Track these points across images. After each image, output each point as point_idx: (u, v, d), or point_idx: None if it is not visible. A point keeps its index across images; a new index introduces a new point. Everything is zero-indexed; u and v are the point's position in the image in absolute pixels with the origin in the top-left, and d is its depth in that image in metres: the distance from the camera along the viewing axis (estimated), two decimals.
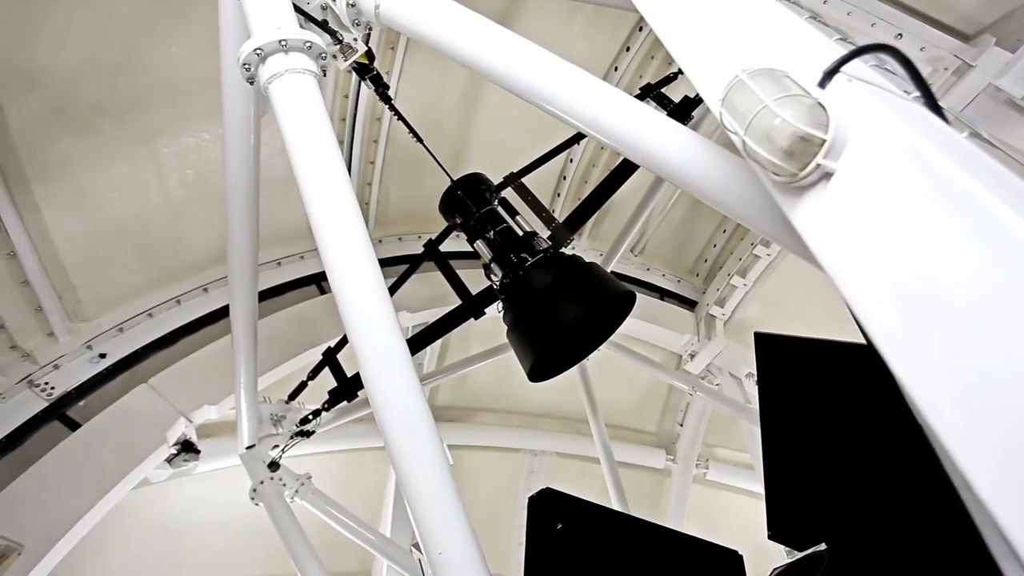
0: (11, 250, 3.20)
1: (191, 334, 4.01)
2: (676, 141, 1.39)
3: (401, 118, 2.78)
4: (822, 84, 0.93)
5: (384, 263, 4.95)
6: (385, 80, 2.59)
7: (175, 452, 3.73)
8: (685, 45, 1.32)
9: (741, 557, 2.43)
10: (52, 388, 3.46)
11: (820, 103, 0.89)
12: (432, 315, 3.30)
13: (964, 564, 1.63)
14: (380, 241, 5.07)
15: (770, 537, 2.03)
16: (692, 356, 5.77)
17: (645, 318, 5.67)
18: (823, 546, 1.90)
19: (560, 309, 2.41)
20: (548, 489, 2.38)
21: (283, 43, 1.76)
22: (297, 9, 1.96)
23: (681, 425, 6.18)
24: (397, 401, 1.46)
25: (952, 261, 0.60)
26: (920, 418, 1.31)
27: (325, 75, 1.87)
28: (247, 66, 1.79)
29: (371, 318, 1.52)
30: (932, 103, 0.96)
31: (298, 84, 1.76)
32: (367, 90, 4.29)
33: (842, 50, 1.01)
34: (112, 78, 3.20)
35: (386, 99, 2.66)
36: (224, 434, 4.05)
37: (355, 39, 2.09)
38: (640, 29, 4.63)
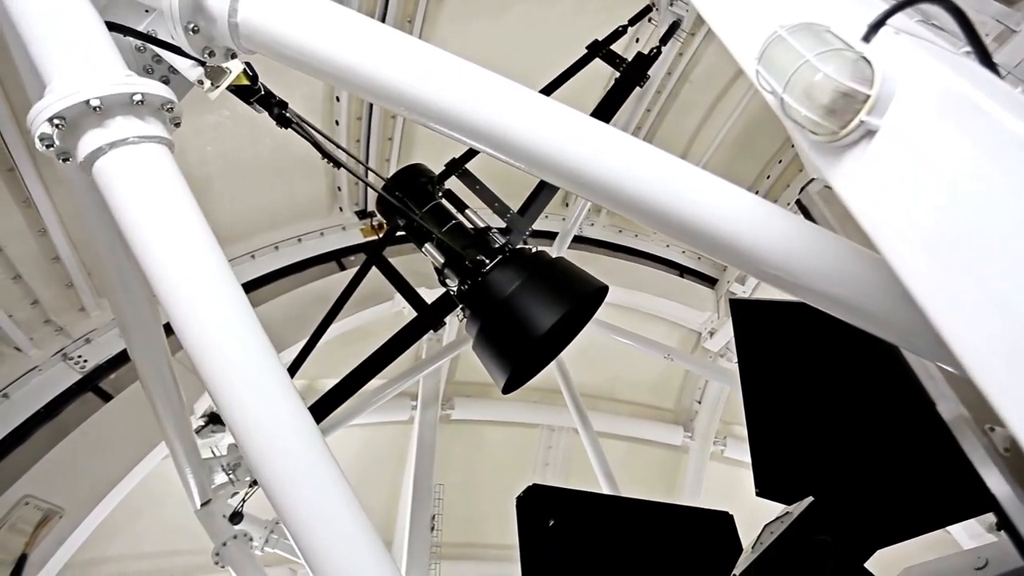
0: (42, 227, 3.28)
1: None
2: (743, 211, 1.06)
3: (308, 137, 2.41)
4: (867, 38, 0.88)
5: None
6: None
7: (203, 424, 3.83)
8: (717, 3, 1.27)
9: (731, 517, 2.47)
10: (85, 361, 3.58)
11: (864, 57, 0.85)
12: None
13: (945, 497, 1.68)
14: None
15: (758, 494, 2.08)
16: (712, 334, 5.73)
17: (664, 295, 5.63)
18: (810, 499, 1.94)
19: (532, 320, 2.18)
20: (535, 486, 2.37)
21: (94, 104, 1.13)
22: (117, 29, 1.34)
23: (699, 402, 6.17)
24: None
25: (1012, 216, 0.58)
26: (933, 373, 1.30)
27: (179, 126, 1.31)
28: (45, 140, 1.18)
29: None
30: (985, 58, 0.90)
31: (133, 164, 1.17)
32: None
33: (885, 4, 0.96)
34: None
35: (284, 121, 2.23)
36: None
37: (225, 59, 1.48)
38: None
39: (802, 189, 2.09)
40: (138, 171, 1.19)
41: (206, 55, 1.43)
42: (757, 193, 6.15)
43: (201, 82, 1.52)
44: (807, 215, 2.02)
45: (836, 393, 1.94)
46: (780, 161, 5.51)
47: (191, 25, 1.36)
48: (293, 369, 3.52)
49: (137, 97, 1.19)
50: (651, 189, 1.08)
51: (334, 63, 1.25)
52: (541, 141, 1.14)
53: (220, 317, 1.15)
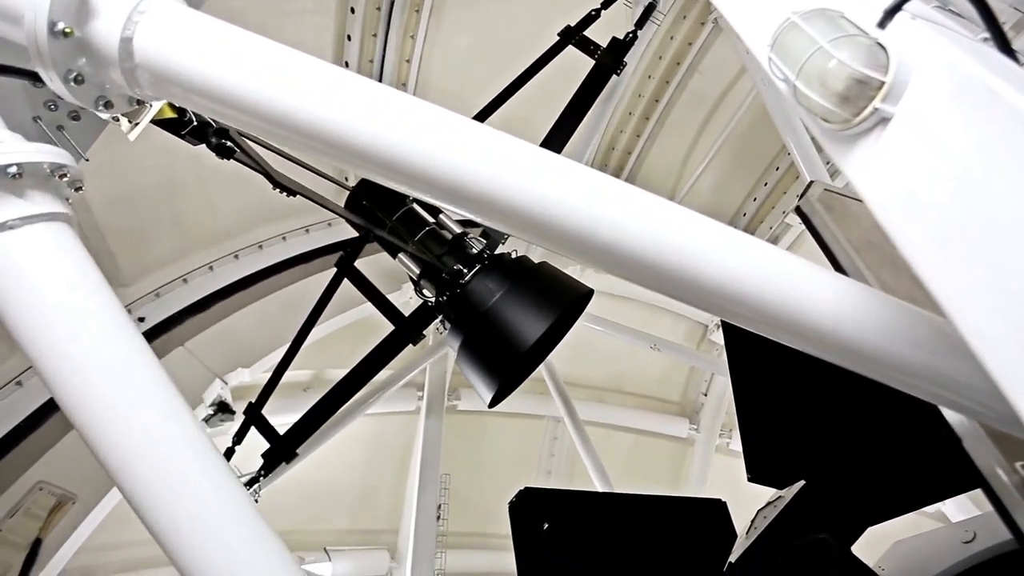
0: None
1: (224, 299, 4.12)
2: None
3: (256, 167, 2.29)
4: (882, 24, 0.87)
5: None
6: None
7: (212, 412, 3.88)
8: None
9: (725, 503, 2.51)
10: None
11: (879, 43, 0.84)
12: None
13: (935, 474, 1.69)
14: None
15: (750, 479, 2.10)
16: (719, 326, 5.71)
17: None
18: (802, 482, 1.96)
19: (517, 333, 2.12)
20: (527, 489, 2.38)
21: None
22: None
23: (705, 395, 6.17)
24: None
25: None
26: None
27: (82, 190, 1.09)
28: None
29: None
30: (1003, 44, 0.89)
31: (14, 255, 0.97)
32: (392, 53, 4.24)
33: None
34: None
35: (226, 152, 2.09)
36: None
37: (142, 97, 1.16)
38: None
39: (802, 194, 2.05)
40: (22, 263, 0.96)
41: (101, 107, 1.10)
42: (766, 185, 6.03)
43: (117, 119, 1.28)
44: (807, 222, 2.00)
45: (823, 377, 1.95)
46: (789, 152, 5.45)
47: (73, 75, 1.01)
48: (283, 367, 3.33)
49: (12, 169, 0.94)
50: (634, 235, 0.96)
51: (260, 109, 0.98)
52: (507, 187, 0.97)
53: (125, 424, 1.05)
